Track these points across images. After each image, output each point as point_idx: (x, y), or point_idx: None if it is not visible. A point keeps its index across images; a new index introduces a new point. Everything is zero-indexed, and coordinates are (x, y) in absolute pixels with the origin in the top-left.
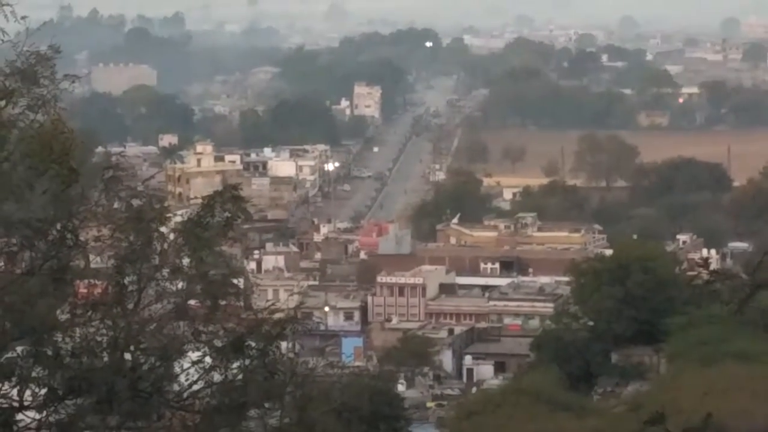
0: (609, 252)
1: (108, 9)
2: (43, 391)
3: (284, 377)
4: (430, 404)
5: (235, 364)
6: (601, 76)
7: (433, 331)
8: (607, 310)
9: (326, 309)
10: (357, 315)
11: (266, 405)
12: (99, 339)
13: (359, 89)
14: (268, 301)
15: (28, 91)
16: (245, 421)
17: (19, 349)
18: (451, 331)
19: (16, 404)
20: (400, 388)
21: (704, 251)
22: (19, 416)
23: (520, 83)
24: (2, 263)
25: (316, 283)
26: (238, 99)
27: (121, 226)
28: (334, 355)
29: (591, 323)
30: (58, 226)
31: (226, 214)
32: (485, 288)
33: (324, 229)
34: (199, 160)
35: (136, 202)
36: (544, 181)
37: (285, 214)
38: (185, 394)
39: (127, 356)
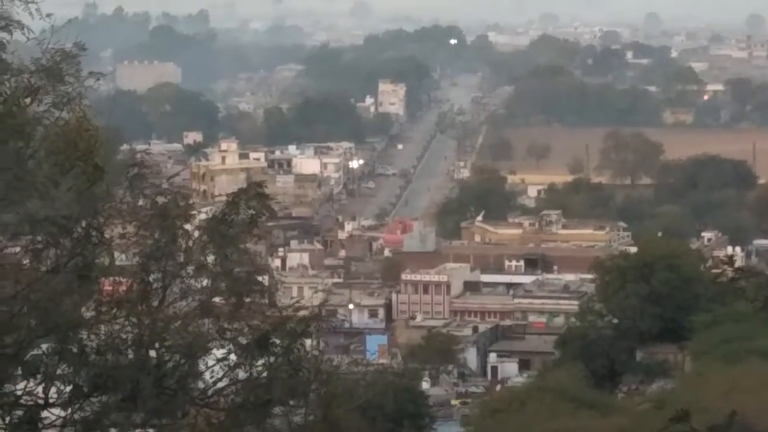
0: (633, 250)
1: (133, 6)
2: (68, 388)
3: (309, 375)
4: (454, 402)
5: (260, 362)
6: (626, 73)
7: (458, 328)
8: (632, 307)
9: (350, 306)
10: (381, 312)
11: (291, 402)
12: (124, 336)
13: (384, 87)
14: (292, 298)
15: (53, 88)
16: (270, 419)
17: (44, 346)
18: (475, 329)
19: (41, 401)
20: (425, 385)
21: (729, 249)
22: (45, 413)
23: (544, 80)
24: (28, 261)
25: (341, 280)
26: (262, 96)
27: (146, 224)
28: (359, 353)
29: (615, 321)
30: (83, 224)
31: (251, 211)
32: (510, 285)
33: (348, 227)
34: (223, 158)
35: (161, 200)
36: (569, 178)
37: (309, 212)
38: (210, 392)
39: (152, 353)
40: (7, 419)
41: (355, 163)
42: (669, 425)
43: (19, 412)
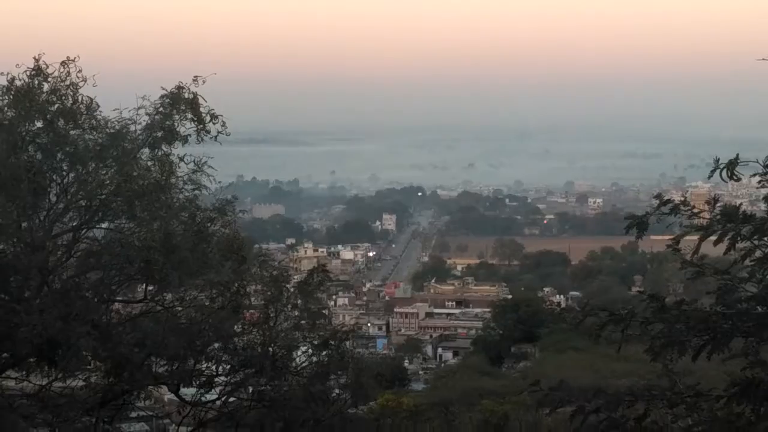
0: (510, 297)
1: (261, 176)
2: (228, 366)
3: (348, 359)
4: (420, 372)
5: (324, 353)
6: (505, 210)
7: (422, 335)
8: (509, 325)
9: (369, 325)
10: (384, 328)
11: (339, 372)
12: (256, 341)
13: (385, 216)
14: (340, 321)
15: (221, 218)
16: (328, 381)
17: (216, 345)
18: (431, 336)
19: (214, 373)
20: (406, 363)
21: (558, 296)
22: (216, 379)
23: (465, 214)
24: (207, 302)
25: (364, 311)
26: (325, 221)
27: (267, 284)
28: (373, 348)
29: (501, 332)
30: (236, 285)
31: (319, 278)
32: (448, 314)
33: (368, 285)
34: (305, 251)
35: (274, 272)
36: (477, 261)
37: (348, 278)
38: (299, 368)
39: (270, 350)
40: (197, 381)
41: (371, 254)
42: (528, 387)
43: (203, 378)
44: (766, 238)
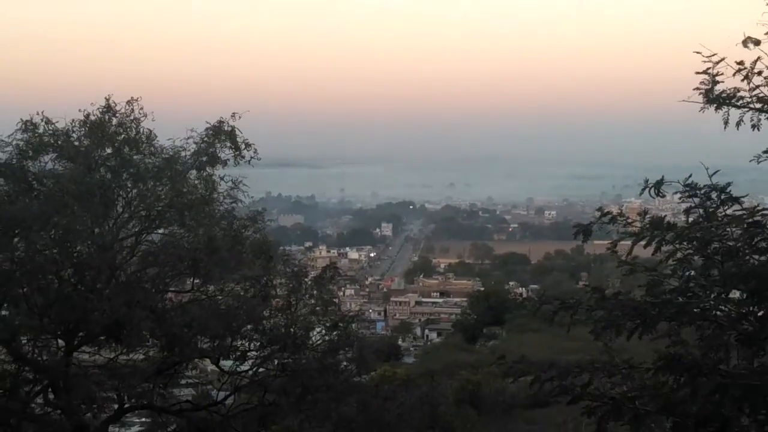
0: (482, 289)
1: (285, 192)
2: (257, 344)
3: (353, 338)
4: (411, 349)
5: (334, 333)
6: (479, 220)
7: (413, 319)
8: (482, 312)
9: (370, 311)
10: (382, 313)
11: (346, 348)
12: (280, 323)
13: (384, 225)
14: (347, 308)
15: (253, 225)
16: (338, 355)
17: (248, 326)
18: (420, 320)
19: (246, 349)
20: (399, 342)
21: (520, 289)
22: (249, 354)
23: (447, 223)
24: (242, 293)
25: (367, 300)
26: (336, 228)
27: (289, 278)
28: (373, 329)
29: (475, 317)
30: (264, 279)
31: (331, 273)
32: (433, 303)
33: (370, 279)
34: (320, 252)
35: (295, 269)
36: (456, 260)
37: (354, 273)
38: (314, 345)
39: (291, 330)
40: (233, 355)
41: (372, 254)
42: (497, 361)
43: (238, 353)
44: (685, 243)
